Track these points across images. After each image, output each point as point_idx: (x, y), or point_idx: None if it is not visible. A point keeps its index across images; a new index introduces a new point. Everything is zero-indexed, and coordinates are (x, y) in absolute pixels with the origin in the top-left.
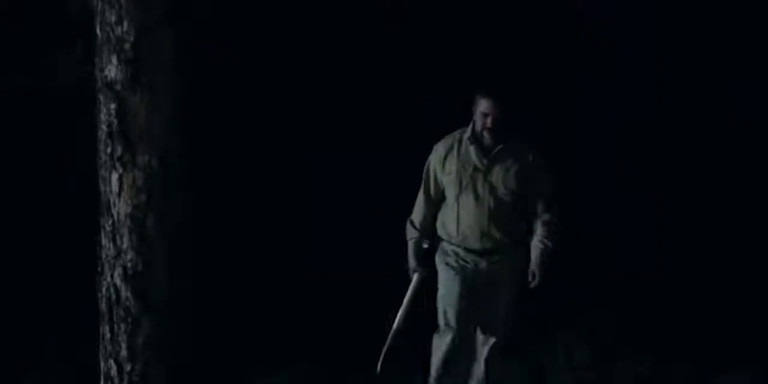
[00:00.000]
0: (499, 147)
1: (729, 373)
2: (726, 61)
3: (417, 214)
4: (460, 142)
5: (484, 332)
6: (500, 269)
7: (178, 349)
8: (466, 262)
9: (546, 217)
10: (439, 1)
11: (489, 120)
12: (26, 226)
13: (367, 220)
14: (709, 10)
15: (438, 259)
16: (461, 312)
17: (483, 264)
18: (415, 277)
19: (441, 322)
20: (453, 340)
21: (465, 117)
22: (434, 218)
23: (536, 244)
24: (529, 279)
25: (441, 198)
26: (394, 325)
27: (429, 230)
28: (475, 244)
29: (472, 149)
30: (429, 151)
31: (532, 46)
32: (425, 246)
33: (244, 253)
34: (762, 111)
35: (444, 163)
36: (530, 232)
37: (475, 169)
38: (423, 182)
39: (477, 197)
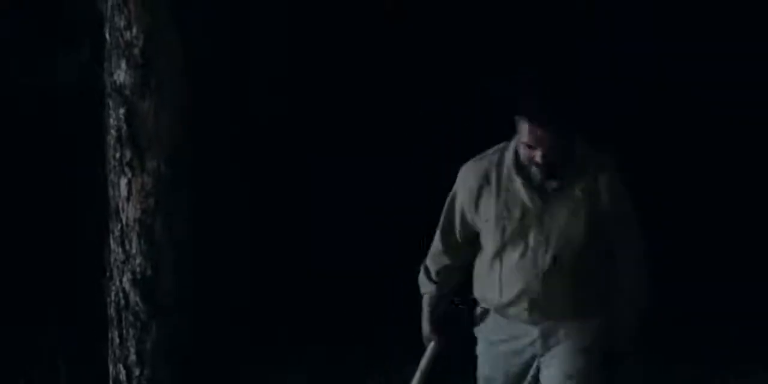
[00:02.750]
0: (560, 178)
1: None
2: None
3: (433, 260)
4: (498, 169)
5: None
6: (569, 348)
7: (187, 354)
8: (522, 338)
9: (629, 264)
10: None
11: (537, 155)
12: (33, 229)
13: (368, 221)
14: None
15: (477, 328)
16: None
17: (543, 343)
18: (429, 348)
19: None
20: None
21: (465, 117)
22: (459, 269)
23: (621, 303)
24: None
25: (469, 246)
26: None
27: (451, 282)
28: (530, 319)
29: (518, 183)
30: (429, 151)
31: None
32: (457, 305)
33: (249, 255)
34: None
35: (478, 203)
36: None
37: (524, 213)
38: (443, 220)
39: (525, 252)
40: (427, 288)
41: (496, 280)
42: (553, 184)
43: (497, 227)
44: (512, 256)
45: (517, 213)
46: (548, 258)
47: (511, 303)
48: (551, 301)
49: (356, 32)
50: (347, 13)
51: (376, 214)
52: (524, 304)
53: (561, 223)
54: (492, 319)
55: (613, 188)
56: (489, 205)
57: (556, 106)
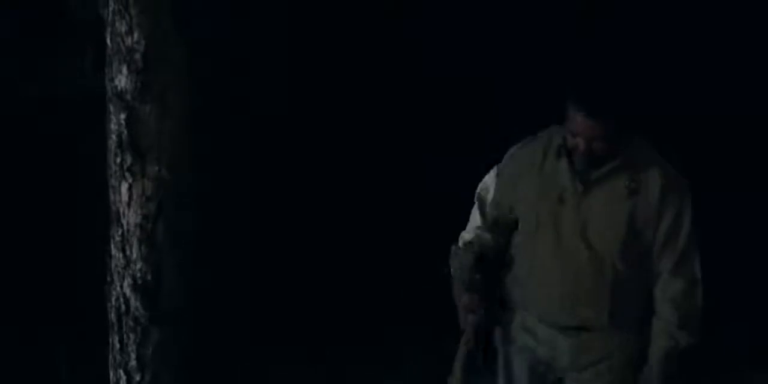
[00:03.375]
0: (606, 167)
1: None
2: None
3: (469, 234)
4: (545, 151)
5: None
6: (602, 371)
7: (188, 359)
8: (549, 346)
9: (676, 288)
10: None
11: (581, 143)
12: (34, 234)
13: (368, 221)
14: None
15: (500, 335)
16: None
17: (572, 357)
18: (469, 322)
19: None
20: None
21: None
22: (493, 247)
23: (660, 335)
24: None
25: (507, 235)
26: None
27: (486, 250)
28: (561, 320)
29: (562, 165)
30: (439, 151)
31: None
32: (477, 314)
33: (250, 260)
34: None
35: (517, 183)
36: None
37: (562, 196)
38: (476, 205)
39: (559, 241)
40: (459, 259)
41: (526, 270)
42: (597, 172)
43: (532, 209)
44: (545, 243)
45: (554, 195)
46: (583, 250)
47: (541, 297)
48: (584, 300)
49: (356, 35)
50: (350, 18)
51: (376, 215)
52: (555, 300)
53: (598, 216)
54: (518, 319)
55: (668, 182)
56: (528, 186)
57: (607, 96)
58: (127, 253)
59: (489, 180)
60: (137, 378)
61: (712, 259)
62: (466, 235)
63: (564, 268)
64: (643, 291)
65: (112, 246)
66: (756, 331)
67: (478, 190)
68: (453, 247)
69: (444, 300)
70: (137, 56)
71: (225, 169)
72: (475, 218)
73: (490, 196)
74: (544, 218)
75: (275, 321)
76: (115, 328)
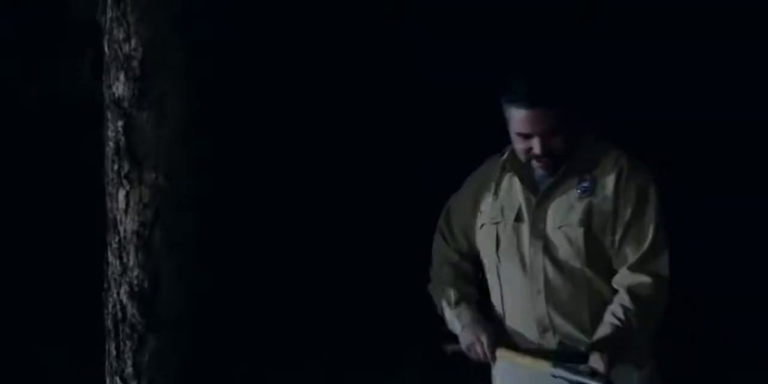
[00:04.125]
0: (559, 173)
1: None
2: None
3: (438, 263)
4: (501, 171)
5: None
6: None
7: (184, 366)
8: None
9: (636, 280)
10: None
11: (536, 144)
12: (32, 240)
13: (368, 224)
14: None
15: (494, 370)
16: None
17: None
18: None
19: None
20: None
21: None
22: (471, 268)
23: (607, 317)
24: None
25: (474, 256)
26: None
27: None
28: (544, 344)
29: (515, 182)
30: (438, 153)
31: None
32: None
33: (249, 268)
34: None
35: (476, 206)
36: None
37: (518, 215)
38: (438, 230)
39: (523, 263)
40: (440, 296)
41: (499, 301)
42: (547, 180)
43: (491, 234)
44: (510, 269)
45: (512, 216)
46: (549, 265)
47: (519, 328)
48: (562, 317)
49: (355, 39)
50: (350, 21)
51: (377, 215)
52: (533, 328)
53: (555, 226)
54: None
55: (624, 193)
56: (486, 208)
57: (547, 82)
58: (124, 260)
59: (445, 211)
60: None
61: (713, 259)
62: (437, 271)
63: (533, 290)
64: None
65: (109, 253)
66: (756, 330)
67: (439, 223)
68: (433, 294)
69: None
70: (135, 63)
71: (223, 176)
72: (437, 247)
73: (454, 222)
74: (504, 243)
75: (274, 324)
76: (112, 335)
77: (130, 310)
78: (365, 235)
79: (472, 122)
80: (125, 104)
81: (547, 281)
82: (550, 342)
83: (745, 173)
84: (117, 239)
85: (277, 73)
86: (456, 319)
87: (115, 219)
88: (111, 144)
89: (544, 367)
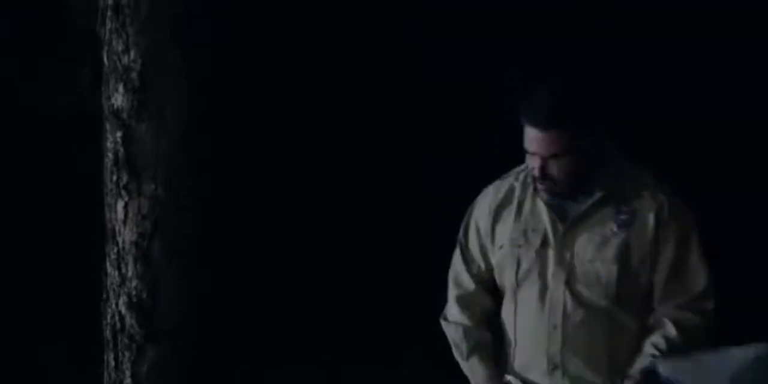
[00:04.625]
0: (590, 199)
1: None
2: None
3: (450, 309)
4: (524, 187)
5: None
6: None
7: (183, 377)
8: None
9: (681, 314)
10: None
11: (537, 164)
12: (30, 250)
13: (368, 225)
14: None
15: None
16: None
17: None
18: None
19: None
20: None
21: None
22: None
23: (647, 348)
24: None
25: (493, 283)
26: None
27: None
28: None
29: (541, 205)
30: (438, 154)
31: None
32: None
33: (248, 279)
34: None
35: (494, 226)
36: None
37: (544, 241)
38: (458, 254)
39: (543, 294)
40: (454, 343)
41: (512, 328)
42: (578, 206)
43: (512, 257)
44: (528, 297)
45: (537, 241)
46: (570, 300)
47: (527, 361)
48: (576, 362)
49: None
50: (349, 21)
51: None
52: (542, 364)
53: (584, 258)
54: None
55: (665, 230)
56: (506, 228)
57: (555, 101)
58: (123, 270)
59: (463, 230)
60: None
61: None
62: (454, 315)
63: (549, 324)
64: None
65: (108, 264)
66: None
67: (458, 244)
68: (442, 322)
69: (443, 303)
70: (134, 75)
71: (222, 187)
72: (456, 271)
73: (473, 247)
74: (525, 268)
75: (274, 324)
76: (110, 346)
77: (129, 320)
78: (365, 235)
79: (472, 122)
80: (124, 115)
81: (565, 316)
82: (558, 382)
83: (744, 173)
84: (116, 250)
85: (276, 80)
86: (469, 372)
87: (113, 230)
88: (110, 155)
89: None
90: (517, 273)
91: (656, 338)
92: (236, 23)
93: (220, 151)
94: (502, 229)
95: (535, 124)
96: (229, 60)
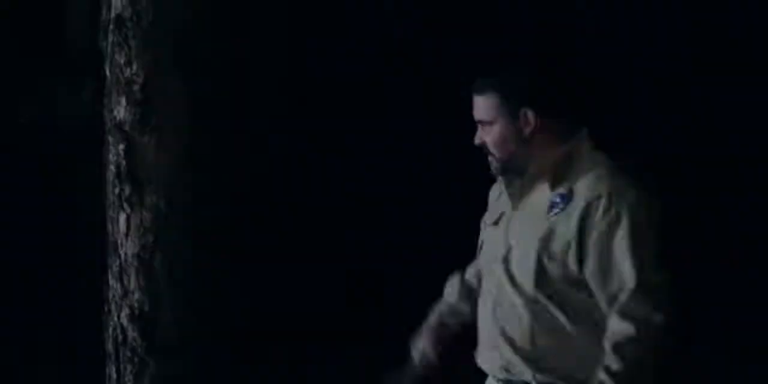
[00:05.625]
0: (520, 182)
1: None
2: None
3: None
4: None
5: None
6: None
7: None
8: None
9: (621, 331)
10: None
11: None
12: (31, 263)
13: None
14: None
15: None
16: None
17: None
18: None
19: None
20: None
21: None
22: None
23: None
24: None
25: None
26: None
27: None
28: (494, 370)
29: (503, 188)
30: (436, 152)
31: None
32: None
33: (249, 292)
34: None
35: (487, 215)
36: None
37: (499, 219)
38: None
39: (493, 281)
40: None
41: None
42: (520, 183)
43: (482, 237)
44: (486, 277)
45: (492, 220)
46: (506, 282)
47: (480, 343)
48: (507, 348)
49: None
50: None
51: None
52: (486, 347)
53: (517, 240)
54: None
55: (593, 219)
56: (488, 216)
57: (504, 72)
58: (125, 283)
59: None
60: None
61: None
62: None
63: (494, 304)
64: (591, 344)
65: (110, 276)
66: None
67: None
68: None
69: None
70: (136, 88)
71: (223, 200)
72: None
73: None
74: (483, 250)
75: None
76: (112, 359)
77: (131, 333)
78: (365, 235)
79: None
80: (126, 128)
81: (501, 297)
82: (496, 363)
83: (745, 173)
84: (118, 263)
85: (279, 97)
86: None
87: (116, 242)
88: (112, 168)
89: None
90: (480, 255)
91: (598, 370)
92: (237, 37)
93: (222, 164)
94: (488, 217)
95: (472, 88)
96: (231, 74)
